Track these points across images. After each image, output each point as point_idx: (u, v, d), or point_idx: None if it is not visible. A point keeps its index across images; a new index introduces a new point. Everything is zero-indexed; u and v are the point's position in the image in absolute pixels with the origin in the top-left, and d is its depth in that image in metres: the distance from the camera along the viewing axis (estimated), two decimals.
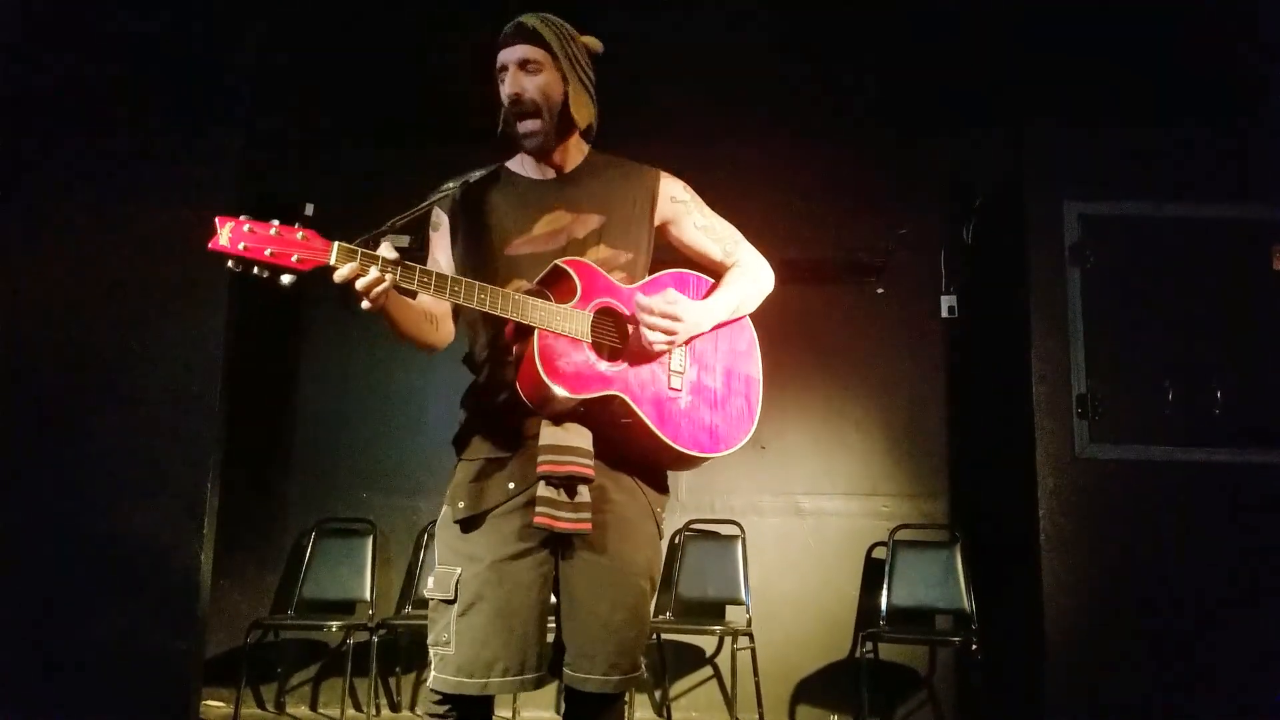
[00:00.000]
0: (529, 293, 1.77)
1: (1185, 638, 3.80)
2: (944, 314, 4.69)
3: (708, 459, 1.89)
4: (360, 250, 1.58)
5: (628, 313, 1.82)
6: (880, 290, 4.73)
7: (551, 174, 1.93)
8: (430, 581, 1.81)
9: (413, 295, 1.74)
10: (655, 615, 4.45)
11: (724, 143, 4.71)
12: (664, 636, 4.40)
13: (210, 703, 4.44)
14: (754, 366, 1.99)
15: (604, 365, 1.78)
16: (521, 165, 1.97)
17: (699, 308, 1.87)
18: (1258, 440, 3.93)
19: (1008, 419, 4.25)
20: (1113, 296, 4.10)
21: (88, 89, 4.23)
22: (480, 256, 1.84)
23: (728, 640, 4.32)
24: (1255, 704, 3.70)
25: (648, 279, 1.91)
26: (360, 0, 3.66)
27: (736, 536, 4.52)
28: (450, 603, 1.76)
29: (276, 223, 1.54)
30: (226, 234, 1.50)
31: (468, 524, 1.80)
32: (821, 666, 4.46)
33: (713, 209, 2.11)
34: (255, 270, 1.53)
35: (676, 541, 4.59)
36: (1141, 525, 3.92)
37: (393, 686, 4.55)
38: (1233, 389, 3.99)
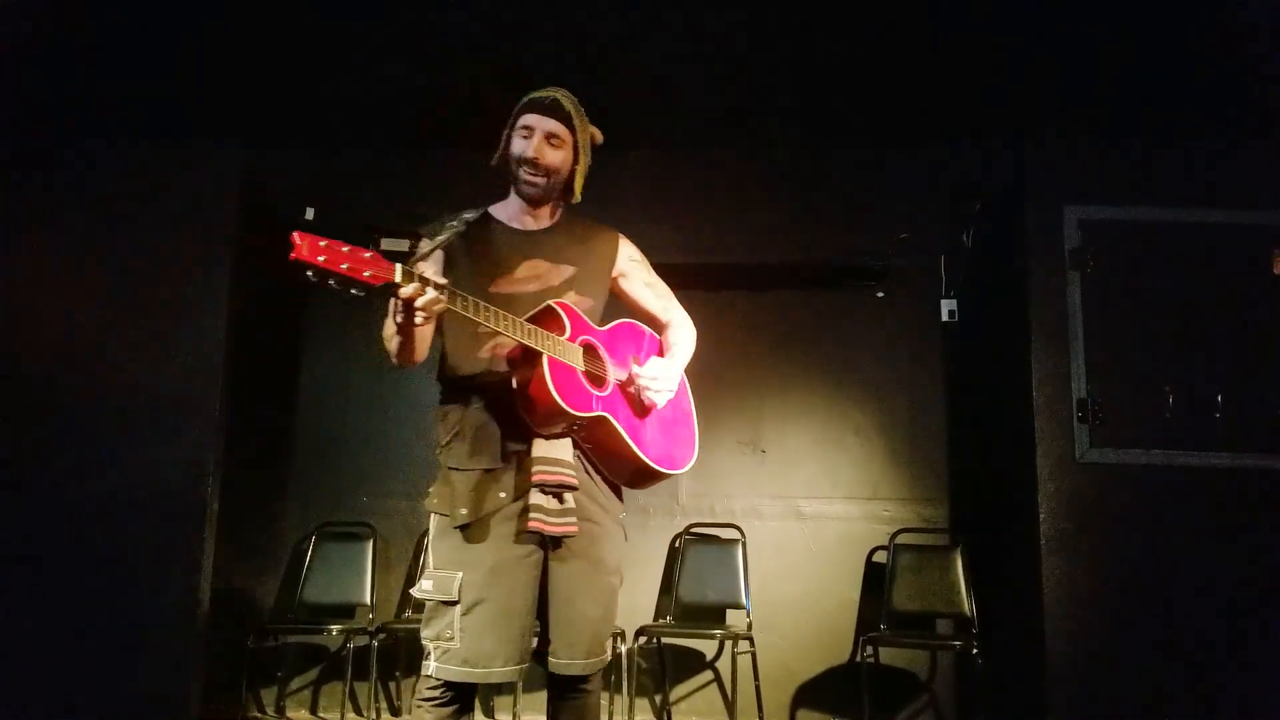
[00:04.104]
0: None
1: (1187, 642, 3.80)
2: (944, 318, 4.70)
3: (668, 475, 2.22)
4: (419, 275, 1.82)
5: (602, 348, 2.15)
6: (881, 294, 4.73)
7: (532, 225, 2.23)
8: (428, 584, 2.03)
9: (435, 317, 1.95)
10: (656, 619, 4.46)
11: (727, 148, 4.72)
12: (664, 640, 4.40)
13: (211, 706, 4.44)
14: (689, 403, 2.38)
15: (594, 390, 2.08)
16: (505, 213, 2.25)
17: (674, 368, 2.26)
18: (1258, 445, 3.93)
19: (1008, 423, 4.25)
20: (1113, 301, 4.10)
21: (90, 97, 4.24)
22: (469, 290, 2.00)
23: (728, 644, 4.31)
24: (1259, 708, 3.70)
25: (614, 324, 2.26)
26: (360, 4, 3.66)
27: (737, 540, 4.52)
28: (453, 604, 1.99)
29: (348, 245, 1.73)
30: (306, 247, 1.67)
31: (467, 530, 2.01)
32: (822, 670, 4.46)
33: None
34: (330, 282, 1.71)
35: (677, 545, 4.59)
36: (1142, 529, 3.92)
37: (392, 690, 4.55)
38: (1233, 393, 3.99)
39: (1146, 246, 4.13)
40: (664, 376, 2.19)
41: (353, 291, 1.73)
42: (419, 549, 4.65)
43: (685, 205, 4.51)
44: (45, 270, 4.39)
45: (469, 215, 2.18)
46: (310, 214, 4.76)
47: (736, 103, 4.38)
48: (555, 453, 2.02)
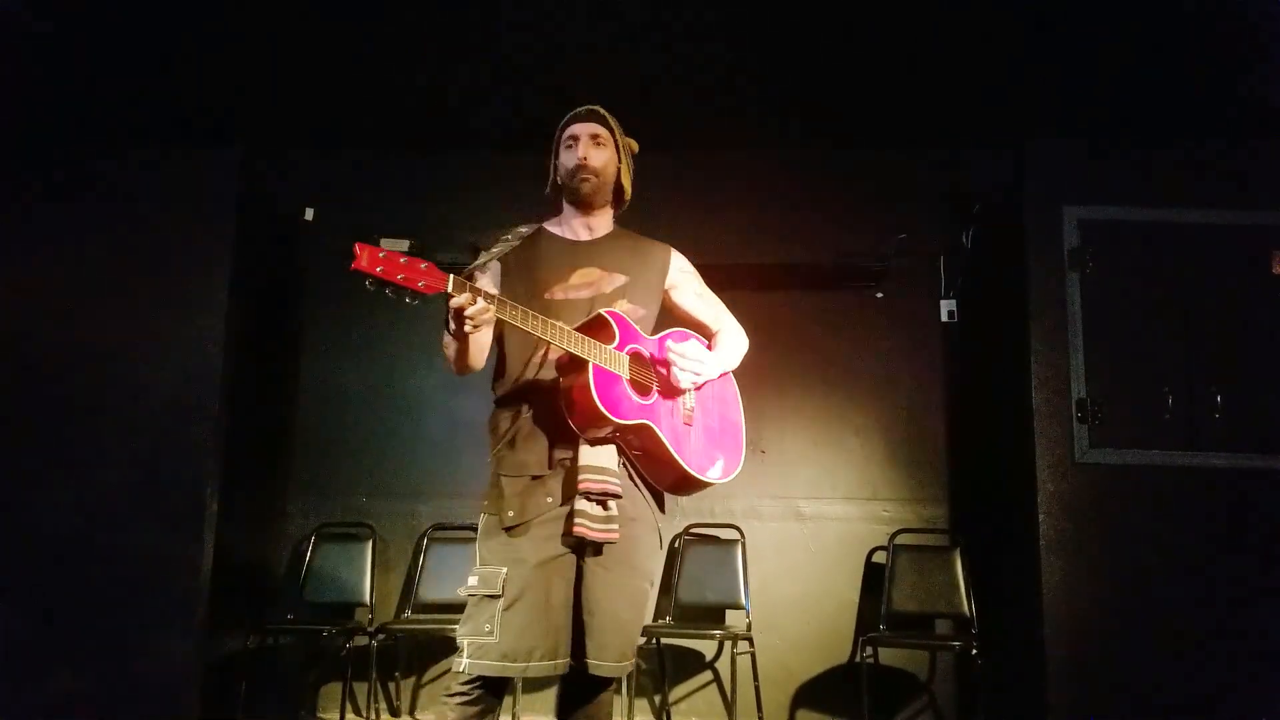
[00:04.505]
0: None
1: (1186, 642, 3.80)
2: (943, 319, 4.69)
3: (711, 483, 2.27)
4: (470, 285, 1.92)
5: (651, 358, 2.21)
6: (880, 295, 4.73)
7: (585, 236, 2.33)
8: (473, 580, 2.09)
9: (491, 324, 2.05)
10: (655, 619, 4.45)
11: (728, 149, 4.72)
12: (664, 641, 4.40)
13: (210, 706, 4.43)
14: (738, 413, 2.43)
15: (637, 399, 2.14)
16: (559, 227, 2.35)
17: (712, 358, 2.30)
18: (1258, 445, 3.93)
19: (1007, 423, 4.25)
20: (1112, 301, 4.10)
21: (90, 98, 4.24)
22: (524, 298, 2.15)
23: (728, 645, 4.31)
24: (1259, 708, 3.70)
25: (666, 332, 2.30)
26: (359, 6, 3.67)
27: (736, 541, 4.52)
28: (495, 598, 2.04)
29: (405, 255, 1.84)
30: (366, 258, 1.78)
31: (513, 530, 2.09)
32: (822, 671, 4.46)
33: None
34: (387, 290, 1.83)
35: (676, 546, 4.59)
36: (1141, 530, 3.92)
37: (392, 691, 4.55)
38: (1232, 394, 3.99)
39: (1146, 247, 4.13)
40: (696, 358, 2.23)
41: (407, 300, 1.84)
42: (418, 549, 4.65)
43: (684, 206, 4.51)
44: (46, 271, 4.39)
45: (524, 230, 2.29)
46: (310, 214, 4.76)
47: (736, 103, 4.38)
48: (601, 461, 2.09)
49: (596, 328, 2.13)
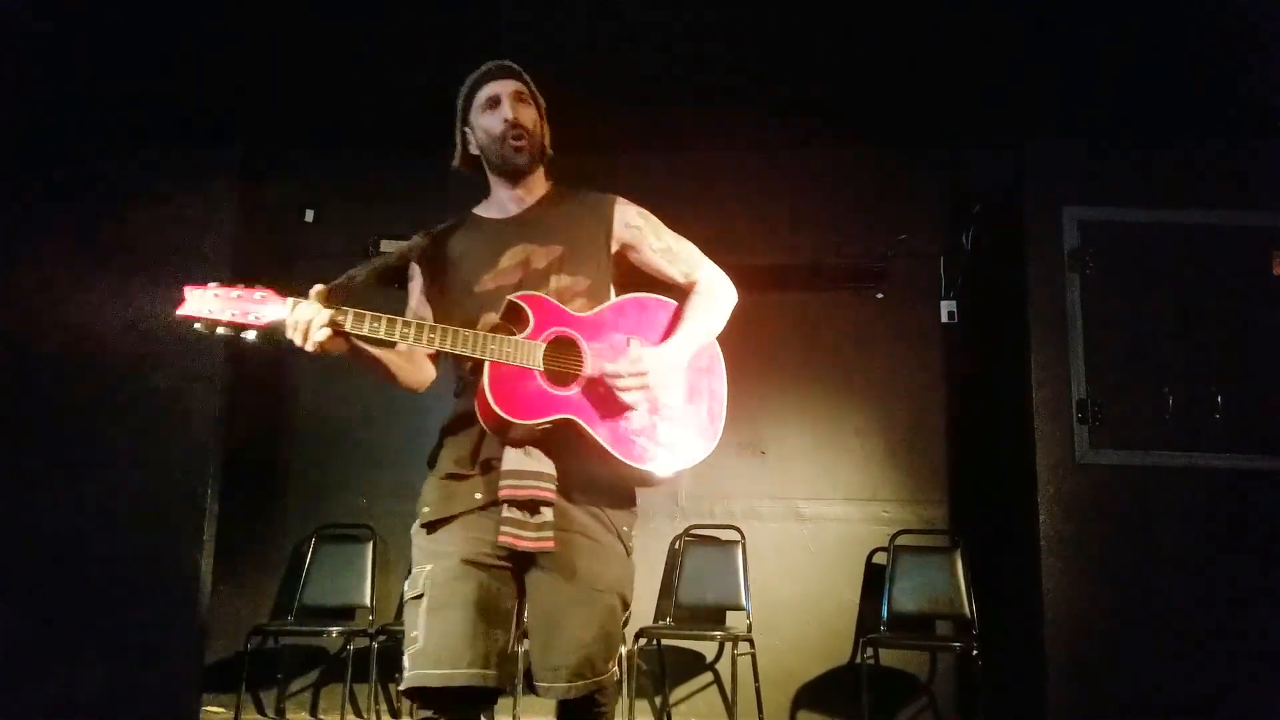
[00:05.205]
0: (495, 328, 1.88)
1: (1186, 642, 3.80)
2: (944, 319, 4.69)
3: (661, 474, 1.95)
4: (300, 301, 1.74)
5: (580, 339, 1.91)
6: (880, 296, 4.73)
7: (514, 210, 2.06)
8: (405, 586, 1.90)
9: (372, 342, 1.86)
10: (655, 620, 4.45)
11: (728, 149, 4.72)
12: (664, 642, 4.40)
13: (211, 709, 4.43)
14: (718, 381, 2.07)
15: (557, 391, 1.87)
16: (487, 208, 2.10)
17: (665, 352, 1.95)
18: (1258, 445, 3.93)
19: (1008, 424, 4.25)
20: (1112, 302, 4.10)
21: (91, 99, 4.24)
22: (453, 297, 1.99)
23: (728, 646, 4.31)
24: (1258, 708, 3.70)
25: (610, 304, 2.00)
26: (359, 6, 3.67)
27: (736, 542, 4.52)
28: (420, 598, 1.84)
29: (240, 288, 1.71)
30: (194, 301, 1.68)
31: (434, 527, 1.92)
32: (822, 672, 4.46)
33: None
34: (219, 331, 1.70)
35: (676, 547, 4.58)
36: (1142, 530, 3.92)
37: (392, 692, 4.54)
38: (1233, 394, 3.99)
39: (1146, 247, 4.13)
40: (638, 370, 1.88)
41: (246, 337, 1.71)
42: None
43: (684, 207, 4.48)
44: (46, 272, 4.39)
45: (440, 227, 2.08)
46: (310, 215, 4.76)
47: (735, 104, 4.38)
48: (530, 465, 1.85)
49: (514, 316, 1.88)
